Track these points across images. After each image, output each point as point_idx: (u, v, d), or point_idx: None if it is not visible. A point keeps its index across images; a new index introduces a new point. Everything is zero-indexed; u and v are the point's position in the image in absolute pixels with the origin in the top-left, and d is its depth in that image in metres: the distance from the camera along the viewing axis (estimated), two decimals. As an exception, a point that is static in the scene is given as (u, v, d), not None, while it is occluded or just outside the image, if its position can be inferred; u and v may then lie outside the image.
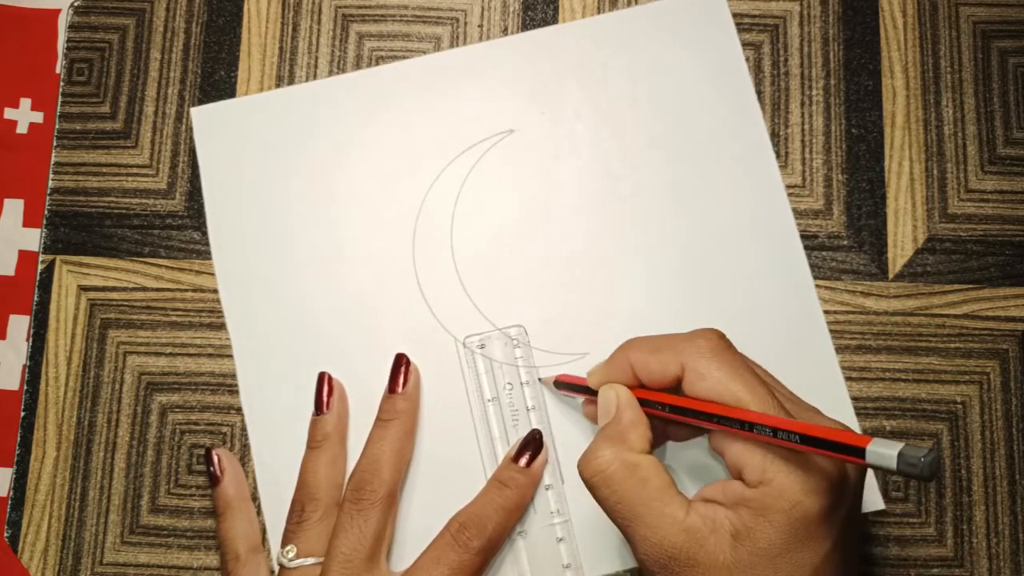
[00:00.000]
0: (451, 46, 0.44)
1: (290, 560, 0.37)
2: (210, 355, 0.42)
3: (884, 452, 0.26)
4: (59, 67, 0.45)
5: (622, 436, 0.34)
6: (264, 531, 0.40)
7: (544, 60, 0.44)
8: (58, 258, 0.43)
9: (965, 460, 0.41)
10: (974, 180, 0.43)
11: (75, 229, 0.43)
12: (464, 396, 0.41)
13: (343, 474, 0.40)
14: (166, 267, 0.43)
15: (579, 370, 0.41)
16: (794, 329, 0.41)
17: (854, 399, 0.41)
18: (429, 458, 0.40)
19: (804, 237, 0.42)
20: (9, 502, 0.41)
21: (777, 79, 0.44)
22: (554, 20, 0.44)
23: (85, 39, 0.45)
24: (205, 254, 0.43)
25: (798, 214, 0.43)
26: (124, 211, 0.43)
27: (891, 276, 0.42)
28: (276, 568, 0.38)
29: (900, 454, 0.26)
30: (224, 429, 0.41)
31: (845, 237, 0.42)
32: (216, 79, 0.44)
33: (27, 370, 0.42)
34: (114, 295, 0.43)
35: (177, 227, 0.43)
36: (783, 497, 0.30)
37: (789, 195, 0.43)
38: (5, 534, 0.41)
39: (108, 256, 0.43)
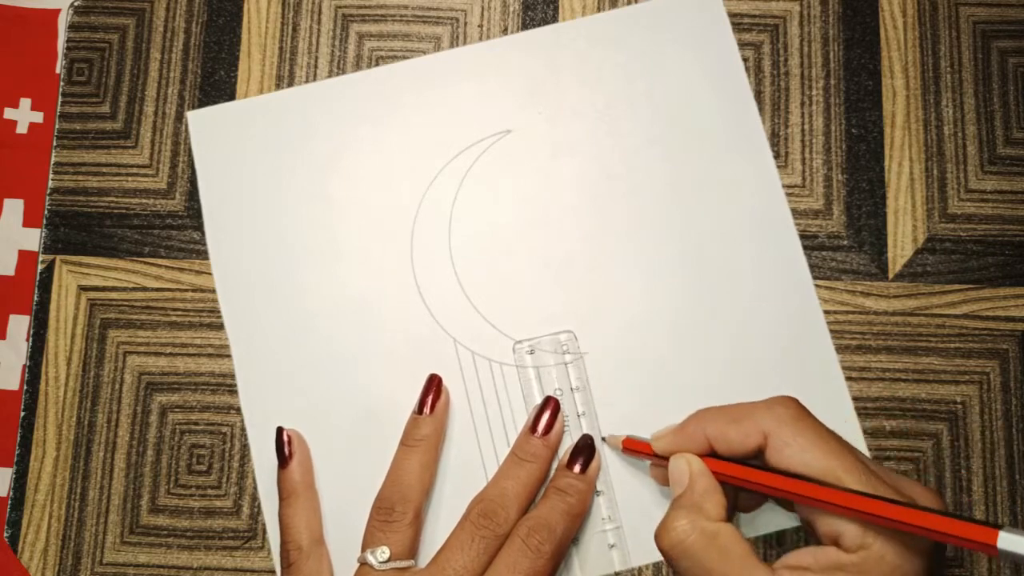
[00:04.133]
0: (451, 46, 0.44)
1: (382, 562, 0.36)
2: (210, 355, 0.42)
3: (1019, 540, 0.26)
4: (59, 67, 0.45)
5: (698, 505, 0.33)
6: (264, 530, 0.40)
7: (541, 60, 0.44)
8: (58, 258, 0.43)
9: (965, 460, 0.41)
10: (974, 180, 0.43)
11: (75, 229, 0.43)
12: (464, 398, 0.41)
13: (432, 482, 0.39)
14: (166, 267, 0.43)
15: (578, 369, 0.41)
16: (794, 329, 0.41)
17: (854, 399, 0.41)
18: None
19: (804, 237, 0.42)
20: (9, 502, 0.41)
21: (777, 79, 0.44)
22: (554, 20, 0.44)
23: (85, 39, 0.45)
24: (205, 254, 0.43)
25: (798, 214, 0.43)
26: (124, 211, 0.43)
27: (891, 276, 0.42)
28: (356, 564, 0.37)
29: None
30: (224, 429, 0.41)
31: (845, 237, 0.42)
32: (216, 79, 0.44)
33: (27, 370, 0.42)
34: (114, 295, 0.43)
35: (177, 227, 0.43)
36: (884, 561, 0.30)
37: (789, 195, 0.43)
38: (5, 534, 0.41)
39: (108, 256, 0.43)
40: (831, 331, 0.41)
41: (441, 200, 0.43)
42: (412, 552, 0.37)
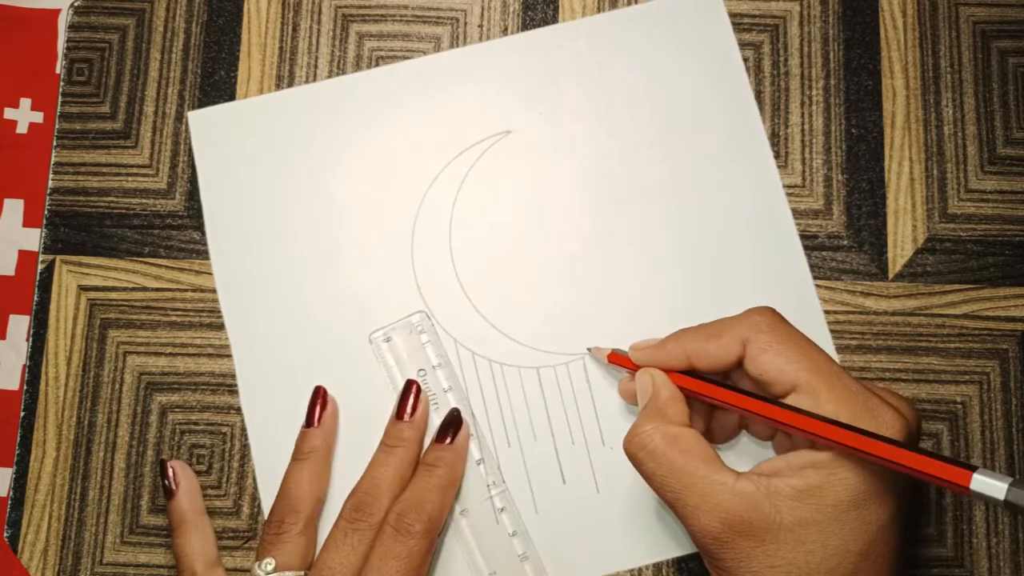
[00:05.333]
0: (451, 46, 0.44)
1: (268, 573, 0.37)
2: (210, 355, 0.42)
3: (991, 483, 0.27)
4: (59, 67, 0.45)
5: (661, 411, 0.34)
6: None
7: (540, 60, 0.44)
8: (58, 258, 0.43)
9: (965, 460, 0.41)
10: (974, 180, 0.43)
11: (75, 229, 0.43)
12: (465, 398, 0.41)
13: (325, 491, 0.40)
14: (166, 267, 0.43)
15: (578, 369, 0.41)
16: (794, 329, 0.41)
17: (854, 399, 0.41)
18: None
19: (804, 237, 0.42)
20: (9, 502, 0.41)
21: (777, 79, 0.44)
22: (554, 20, 0.44)
23: (85, 39, 0.45)
24: (205, 254, 0.43)
25: (798, 214, 0.43)
26: (124, 211, 0.43)
27: (891, 276, 0.42)
28: None
29: (1010, 489, 0.26)
30: (224, 429, 0.41)
31: (845, 237, 0.42)
32: (216, 79, 0.44)
33: (27, 370, 0.42)
34: (114, 295, 0.43)
35: (177, 227, 0.43)
36: (857, 457, 0.30)
37: (789, 195, 0.43)
38: (5, 534, 0.41)
39: (108, 256, 0.43)
40: (831, 331, 0.41)
41: (441, 201, 0.43)
42: (303, 562, 0.38)
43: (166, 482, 0.40)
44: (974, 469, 0.27)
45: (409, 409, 0.39)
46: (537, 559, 0.39)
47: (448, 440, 0.39)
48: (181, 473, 0.40)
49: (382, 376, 0.41)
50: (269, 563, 0.37)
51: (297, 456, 0.40)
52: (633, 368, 0.38)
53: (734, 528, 0.31)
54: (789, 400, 0.32)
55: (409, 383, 0.40)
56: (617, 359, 0.39)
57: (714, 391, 0.35)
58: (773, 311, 0.35)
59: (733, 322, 0.35)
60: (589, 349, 0.41)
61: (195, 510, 0.40)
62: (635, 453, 0.34)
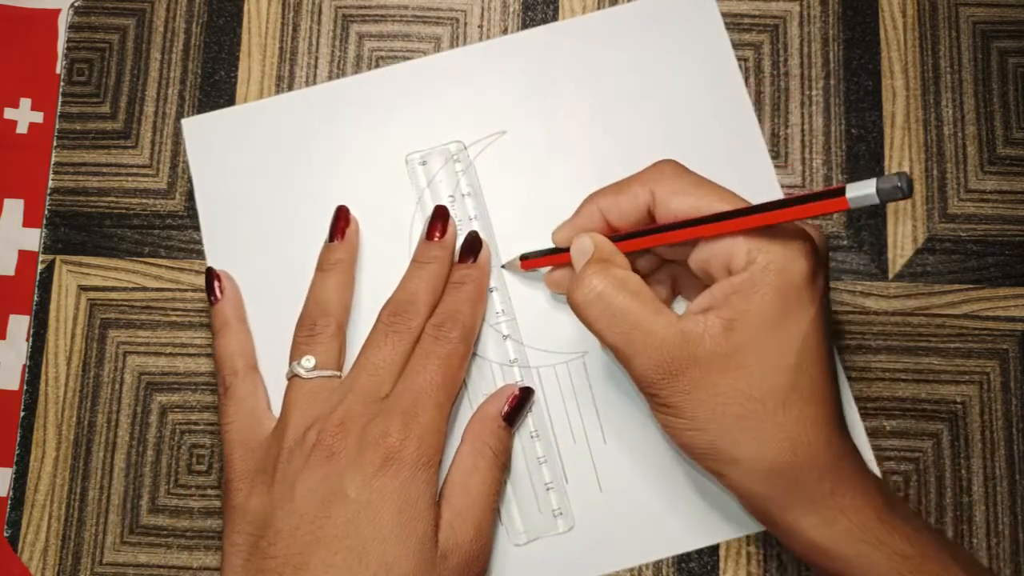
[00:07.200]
0: (451, 46, 0.44)
1: (308, 370, 0.38)
2: (210, 355, 0.42)
3: (863, 191, 0.29)
4: (59, 67, 0.45)
5: (606, 260, 0.35)
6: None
7: (537, 60, 0.44)
8: (58, 258, 0.43)
9: (965, 460, 0.41)
10: (974, 180, 0.43)
11: (75, 229, 0.43)
12: (465, 399, 0.41)
13: (351, 300, 0.41)
14: (166, 267, 0.43)
15: (578, 369, 0.41)
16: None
17: (854, 399, 0.41)
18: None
19: (804, 237, 0.42)
20: (9, 502, 0.41)
21: (777, 79, 0.44)
22: (554, 20, 0.44)
23: (85, 39, 0.45)
24: (205, 255, 0.43)
25: (798, 214, 0.43)
26: (124, 211, 0.43)
27: (891, 276, 0.42)
28: (286, 379, 0.39)
29: (878, 188, 0.28)
30: (224, 429, 0.41)
31: (845, 237, 0.42)
32: (216, 79, 0.44)
33: (27, 370, 0.42)
34: (114, 295, 0.43)
35: (177, 227, 0.43)
36: (770, 269, 0.32)
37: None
38: (5, 534, 0.41)
39: (108, 256, 0.43)
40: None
41: (439, 202, 0.43)
42: (338, 363, 0.39)
43: (212, 287, 0.41)
44: (843, 189, 0.30)
45: (438, 231, 0.40)
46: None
47: (471, 260, 0.40)
48: (226, 281, 0.41)
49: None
50: (309, 360, 0.38)
51: (322, 267, 0.40)
52: (549, 261, 0.39)
53: (679, 362, 0.33)
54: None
55: (437, 208, 0.41)
56: (532, 262, 0.40)
57: (640, 240, 0.36)
58: (676, 161, 0.36)
59: (639, 174, 0.36)
60: (503, 267, 0.42)
61: (238, 315, 0.41)
62: (583, 299, 0.35)
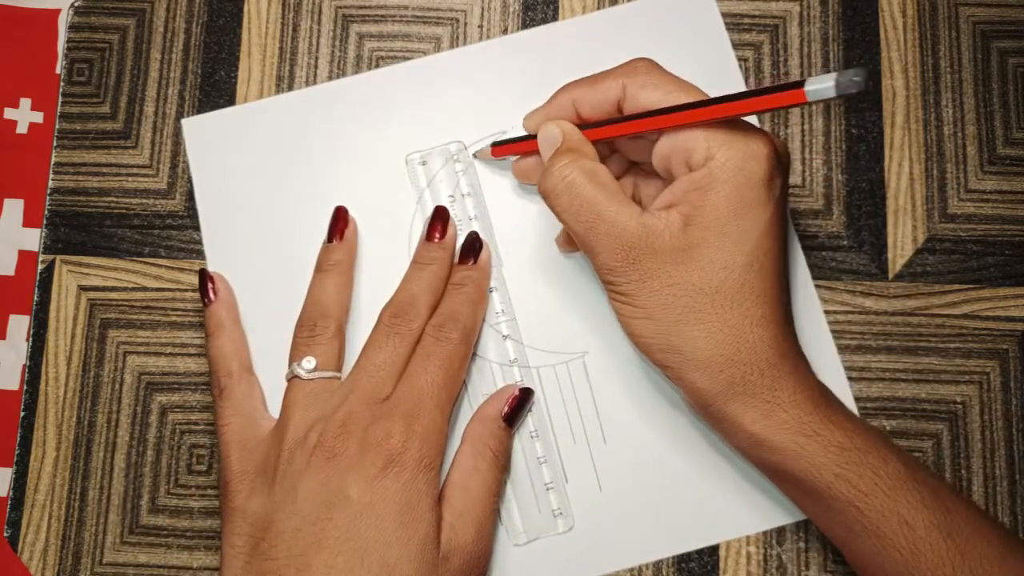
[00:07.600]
0: (451, 46, 0.44)
1: (309, 371, 0.38)
2: (210, 355, 0.42)
3: (822, 84, 0.29)
4: (59, 67, 0.45)
5: (575, 150, 0.36)
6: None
7: (536, 59, 0.44)
8: (58, 258, 0.43)
9: (965, 460, 0.41)
10: (974, 180, 0.43)
11: (75, 229, 0.43)
12: (465, 399, 0.41)
13: (349, 302, 0.41)
14: (166, 267, 0.43)
15: (578, 369, 0.41)
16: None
17: (854, 399, 0.41)
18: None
19: (804, 237, 0.42)
20: (9, 502, 0.41)
21: (777, 79, 0.44)
22: (554, 20, 0.44)
23: (85, 39, 0.45)
24: (205, 254, 0.43)
25: (798, 214, 0.43)
26: (124, 211, 0.43)
27: (891, 276, 0.42)
28: (286, 380, 0.39)
29: (837, 81, 0.29)
30: (224, 429, 0.41)
31: (845, 237, 0.42)
32: (216, 79, 0.44)
33: (27, 370, 0.42)
34: (114, 295, 0.43)
35: (177, 227, 0.43)
36: (727, 166, 0.33)
37: (789, 195, 0.43)
38: (5, 534, 0.41)
39: (108, 256, 0.43)
40: (831, 331, 0.41)
41: (439, 202, 0.43)
42: (338, 365, 0.39)
43: (206, 289, 0.41)
44: (803, 82, 0.30)
45: (438, 232, 0.40)
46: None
47: (471, 261, 0.40)
48: (220, 282, 0.41)
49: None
50: (309, 361, 0.38)
51: (321, 268, 0.41)
52: (520, 149, 0.40)
53: (637, 252, 0.34)
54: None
55: (437, 208, 0.41)
56: (502, 150, 0.41)
57: (605, 128, 0.36)
58: (651, 59, 0.37)
59: (614, 69, 0.37)
60: (475, 155, 0.42)
61: (232, 317, 0.41)
62: (554, 187, 0.35)
